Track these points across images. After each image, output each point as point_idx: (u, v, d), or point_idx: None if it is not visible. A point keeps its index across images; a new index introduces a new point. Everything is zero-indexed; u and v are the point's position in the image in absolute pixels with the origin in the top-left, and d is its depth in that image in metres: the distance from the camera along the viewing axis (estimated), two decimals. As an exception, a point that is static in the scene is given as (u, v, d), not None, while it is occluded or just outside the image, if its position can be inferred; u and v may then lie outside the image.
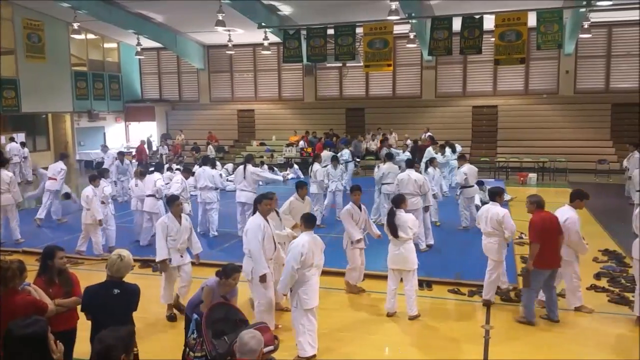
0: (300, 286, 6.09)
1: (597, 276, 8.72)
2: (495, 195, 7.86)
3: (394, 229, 7.28)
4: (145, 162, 21.31)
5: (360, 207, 8.25)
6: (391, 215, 7.41)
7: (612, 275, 8.73)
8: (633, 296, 7.79)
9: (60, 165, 13.37)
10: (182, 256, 7.49)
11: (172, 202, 7.60)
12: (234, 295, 5.58)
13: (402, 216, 7.32)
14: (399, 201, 7.54)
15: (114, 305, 4.72)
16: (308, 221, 6.39)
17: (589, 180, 18.99)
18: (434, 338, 6.76)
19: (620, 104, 22.75)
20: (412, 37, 21.83)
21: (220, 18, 18.09)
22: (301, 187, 8.90)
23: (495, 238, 7.61)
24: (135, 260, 9.79)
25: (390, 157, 13.01)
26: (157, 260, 7.41)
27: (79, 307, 5.00)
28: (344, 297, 8.16)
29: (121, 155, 16.09)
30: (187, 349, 4.97)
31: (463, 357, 6.26)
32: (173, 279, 7.51)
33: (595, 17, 19.86)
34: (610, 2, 15.94)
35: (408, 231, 7.24)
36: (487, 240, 7.73)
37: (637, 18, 21.50)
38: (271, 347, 4.54)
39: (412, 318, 7.15)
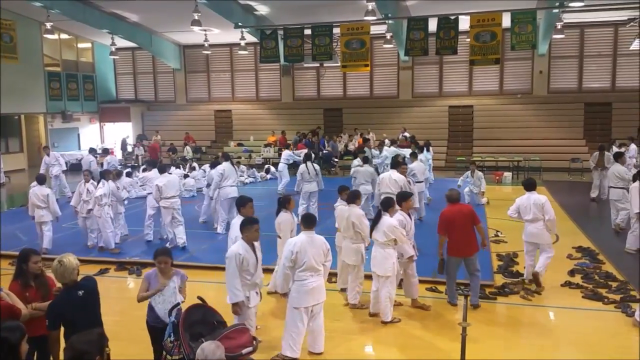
0: (294, 285, 6.09)
1: (571, 273, 8.85)
2: (532, 186, 8.60)
3: (370, 229, 7.37)
4: (159, 160, 21.03)
5: (410, 216, 7.77)
6: (377, 217, 7.38)
7: (585, 272, 8.87)
8: (606, 292, 7.97)
9: (92, 158, 16.58)
10: (257, 293, 6.05)
11: (249, 226, 5.93)
12: (184, 280, 5.49)
13: (383, 219, 7.26)
14: (387, 205, 7.45)
15: (84, 306, 4.67)
16: (306, 221, 6.29)
17: (563, 179, 19.32)
18: (412, 337, 6.79)
19: (592, 104, 23.23)
20: (388, 37, 21.94)
21: (196, 17, 17.95)
22: (343, 190, 8.52)
23: (540, 223, 8.26)
24: (111, 263, 9.84)
25: (365, 160, 13.42)
26: (230, 302, 5.77)
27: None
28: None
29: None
30: (164, 352, 4.91)
31: (441, 355, 6.30)
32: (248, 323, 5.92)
33: (568, 18, 20.21)
34: (582, 4, 16.24)
35: (382, 235, 7.15)
36: (534, 227, 8.31)
37: (608, 19, 22.02)
38: (250, 348, 4.54)
39: (385, 324, 7.10)
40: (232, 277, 5.72)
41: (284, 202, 7.65)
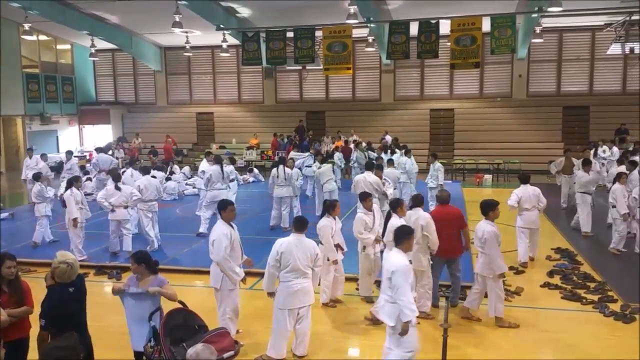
0: (280, 285, 6.12)
1: (550, 274, 8.97)
2: (527, 179, 9.83)
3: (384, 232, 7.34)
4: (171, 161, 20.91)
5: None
6: (387, 218, 7.34)
7: (564, 273, 9.00)
8: (585, 292, 8.10)
9: (111, 158, 17.10)
10: None
11: (409, 236, 5.48)
12: (164, 283, 5.22)
13: (392, 220, 7.17)
14: (395, 205, 7.38)
15: (75, 302, 4.73)
16: (297, 223, 6.33)
17: (541, 181, 19.49)
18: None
19: (570, 107, 23.59)
20: (370, 40, 22.02)
21: (177, 19, 17.82)
22: (364, 198, 8.10)
23: (536, 211, 9.64)
24: (89, 267, 9.71)
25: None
26: (405, 319, 5.14)
27: (31, 317, 4.86)
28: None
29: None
30: (144, 357, 4.87)
31: (422, 355, 6.32)
32: None
33: (547, 22, 20.50)
34: (561, 9, 16.48)
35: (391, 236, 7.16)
36: (532, 214, 9.58)
37: (586, 24, 22.38)
38: (231, 352, 4.52)
39: (368, 320, 7.16)
40: (408, 291, 5.13)
41: (329, 207, 7.63)
